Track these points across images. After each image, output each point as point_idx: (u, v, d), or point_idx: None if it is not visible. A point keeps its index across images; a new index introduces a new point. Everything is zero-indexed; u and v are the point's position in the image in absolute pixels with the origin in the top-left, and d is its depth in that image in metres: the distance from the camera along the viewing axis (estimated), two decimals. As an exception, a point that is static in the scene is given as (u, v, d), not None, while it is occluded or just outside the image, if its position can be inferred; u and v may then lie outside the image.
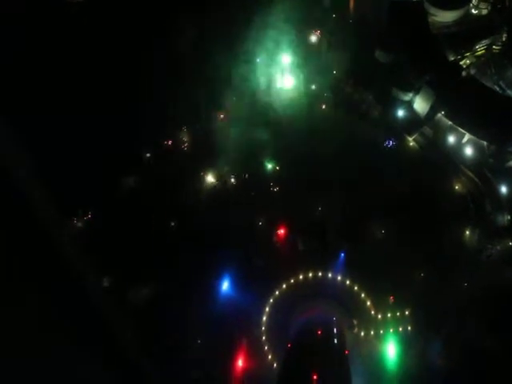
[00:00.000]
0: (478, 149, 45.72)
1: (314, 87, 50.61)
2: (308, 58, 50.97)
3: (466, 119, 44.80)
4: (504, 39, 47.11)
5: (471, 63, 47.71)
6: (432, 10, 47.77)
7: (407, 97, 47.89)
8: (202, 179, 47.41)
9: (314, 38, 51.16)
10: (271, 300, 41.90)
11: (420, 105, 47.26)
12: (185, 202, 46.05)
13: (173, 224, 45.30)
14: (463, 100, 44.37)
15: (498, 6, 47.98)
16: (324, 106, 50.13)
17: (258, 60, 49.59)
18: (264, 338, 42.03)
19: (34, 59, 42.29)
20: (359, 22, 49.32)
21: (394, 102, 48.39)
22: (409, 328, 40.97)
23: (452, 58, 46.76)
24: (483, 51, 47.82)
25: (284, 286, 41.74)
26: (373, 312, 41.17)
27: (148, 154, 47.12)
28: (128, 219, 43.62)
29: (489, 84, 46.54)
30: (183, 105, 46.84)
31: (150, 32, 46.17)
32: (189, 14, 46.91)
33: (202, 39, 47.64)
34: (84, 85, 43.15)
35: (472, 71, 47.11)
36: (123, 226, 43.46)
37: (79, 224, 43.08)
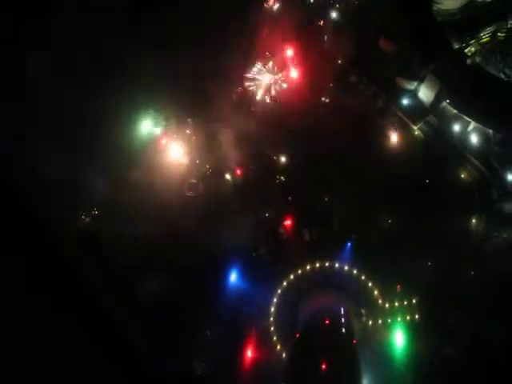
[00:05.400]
0: (483, 137, 45.57)
1: (316, 77, 50.20)
2: (311, 48, 50.60)
3: (471, 107, 44.58)
4: (509, 26, 46.44)
5: (476, 51, 47.15)
6: (436, -3, 47.40)
7: (412, 85, 47.62)
8: (207, 170, 47.38)
9: (317, 27, 50.72)
10: (279, 290, 42.17)
11: (425, 93, 47.06)
12: (191, 192, 46.20)
13: (179, 215, 45.24)
14: (468, 88, 44.16)
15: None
16: (328, 95, 49.80)
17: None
18: (272, 328, 42.39)
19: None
20: (363, 11, 48.93)
21: (399, 91, 48.23)
22: (416, 317, 41.27)
23: (457, 46, 46.34)
24: (488, 38, 47.27)
25: (291, 276, 41.97)
26: (380, 301, 41.42)
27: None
28: (133, 211, 43.69)
29: (494, 72, 46.11)
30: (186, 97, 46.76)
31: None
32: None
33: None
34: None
35: (477, 59, 46.60)
36: (129, 218, 43.60)
37: (87, 219, 43.25)
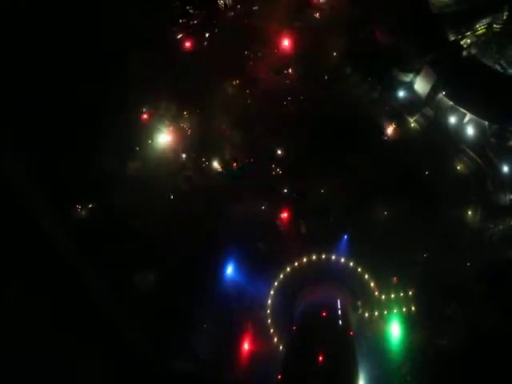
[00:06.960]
0: (479, 128, 45.68)
1: (312, 69, 50.08)
2: (306, 39, 50.41)
3: (467, 99, 44.67)
4: (505, 17, 46.65)
5: (472, 42, 47.31)
6: (432, -11, 47.28)
7: (408, 77, 47.66)
8: (203, 163, 47.24)
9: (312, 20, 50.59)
10: (276, 283, 42.11)
11: (421, 85, 47.05)
12: (186, 186, 46.04)
13: (175, 208, 45.12)
14: (464, 80, 44.31)
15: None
16: (323, 88, 49.65)
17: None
18: (269, 321, 42.36)
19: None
20: (360, 2, 48.79)
21: (395, 83, 48.17)
22: (412, 308, 41.39)
23: (453, 38, 46.37)
24: (484, 30, 47.42)
25: (288, 268, 41.91)
26: (377, 293, 41.46)
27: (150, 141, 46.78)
28: (130, 204, 43.53)
29: (490, 63, 46.30)
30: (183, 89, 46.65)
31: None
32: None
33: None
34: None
35: (473, 51, 46.76)
36: (125, 211, 43.45)
37: (83, 212, 43.03)
